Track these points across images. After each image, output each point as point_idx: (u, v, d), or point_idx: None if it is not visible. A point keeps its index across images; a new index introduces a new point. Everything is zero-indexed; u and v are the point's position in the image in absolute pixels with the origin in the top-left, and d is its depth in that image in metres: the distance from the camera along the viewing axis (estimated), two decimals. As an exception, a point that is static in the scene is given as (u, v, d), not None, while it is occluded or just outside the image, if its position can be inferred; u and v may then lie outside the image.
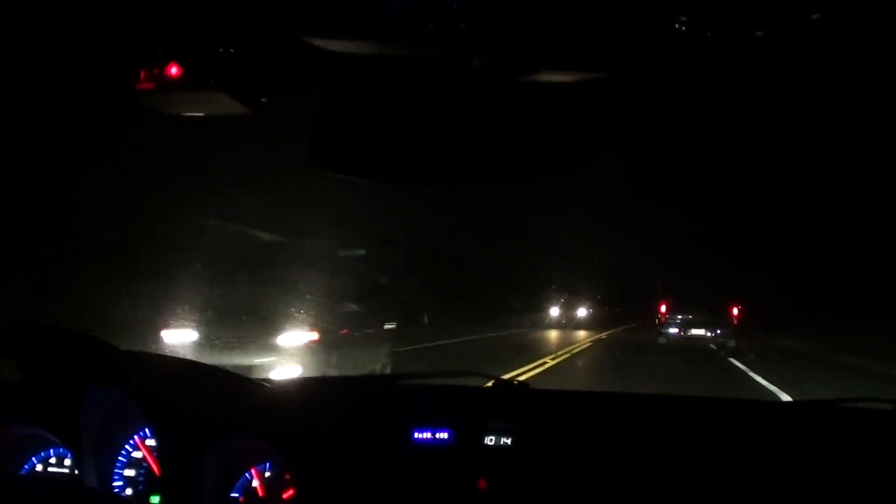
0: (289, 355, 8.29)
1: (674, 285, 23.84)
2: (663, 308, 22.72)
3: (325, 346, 8.67)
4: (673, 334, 21.64)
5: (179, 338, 8.05)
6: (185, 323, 8.03)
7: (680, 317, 21.98)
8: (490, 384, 2.28)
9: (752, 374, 13.28)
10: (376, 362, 9.71)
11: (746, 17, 1.64)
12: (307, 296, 8.81)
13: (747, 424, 2.01)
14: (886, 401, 2.02)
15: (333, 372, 8.19)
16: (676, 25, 1.65)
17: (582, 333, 27.99)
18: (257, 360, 8.00)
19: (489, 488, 1.89)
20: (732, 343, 19.63)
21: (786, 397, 9.86)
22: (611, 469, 1.88)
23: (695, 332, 21.32)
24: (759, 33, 1.66)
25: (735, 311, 21.63)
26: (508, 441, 1.95)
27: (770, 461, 1.83)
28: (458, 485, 1.91)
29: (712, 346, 20.39)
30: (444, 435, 1.98)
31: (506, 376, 3.19)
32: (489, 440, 1.96)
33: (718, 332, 20.92)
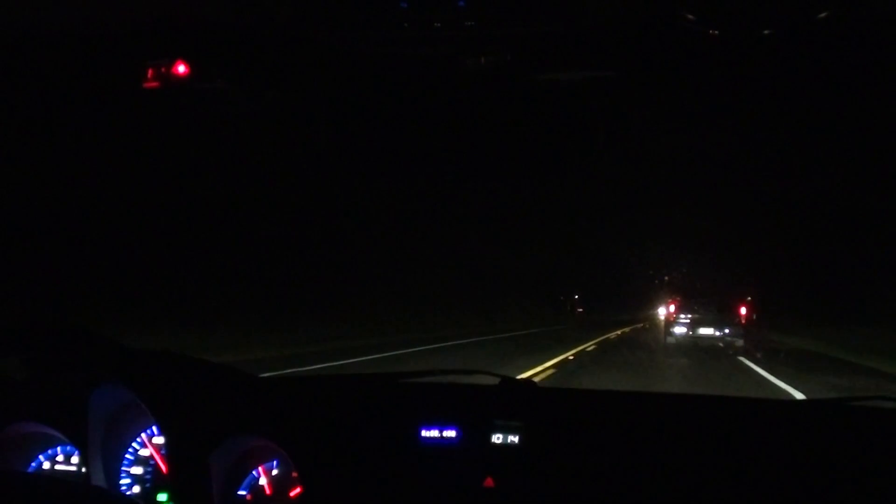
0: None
1: (680, 283, 23.85)
2: (672, 307, 22.70)
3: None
4: (681, 334, 21.64)
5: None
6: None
7: (688, 316, 21.95)
8: (497, 382, 2.28)
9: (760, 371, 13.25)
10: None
11: (754, 16, 1.64)
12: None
13: (758, 423, 1.99)
14: None
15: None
16: (684, 24, 1.65)
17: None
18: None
19: (496, 486, 1.88)
20: (741, 342, 19.66)
21: (790, 390, 9.87)
22: (619, 468, 1.87)
23: (703, 331, 21.29)
24: (766, 32, 1.66)
25: (743, 310, 21.60)
26: (516, 439, 1.95)
27: (781, 460, 1.82)
28: (466, 483, 1.91)
29: (720, 344, 20.37)
30: (452, 433, 1.98)
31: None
32: (496, 438, 1.95)
33: (727, 331, 20.90)
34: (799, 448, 1.87)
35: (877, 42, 1.73)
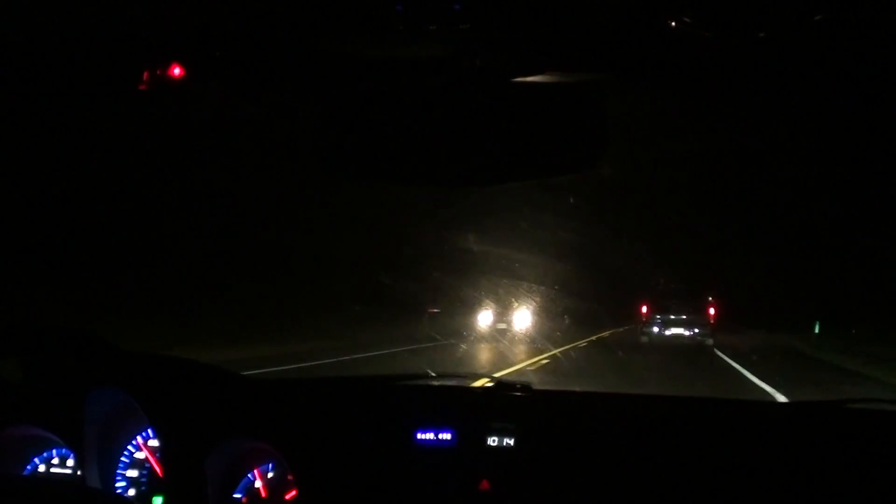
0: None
1: (653, 285, 23.99)
2: (644, 309, 22.94)
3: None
4: (654, 333, 21.94)
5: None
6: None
7: (660, 317, 22.23)
8: (492, 385, 2.24)
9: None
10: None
11: (749, 18, 1.60)
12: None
13: (751, 425, 1.96)
14: (891, 402, 1.98)
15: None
16: (680, 26, 1.62)
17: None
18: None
19: (492, 489, 1.84)
20: (710, 341, 20.12)
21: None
22: (613, 470, 1.83)
23: (674, 331, 21.65)
24: (761, 34, 1.62)
25: (711, 310, 21.93)
26: (511, 442, 1.90)
27: (774, 462, 1.78)
28: (461, 486, 1.86)
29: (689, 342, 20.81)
30: (447, 436, 1.93)
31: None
32: (492, 441, 1.91)
33: (696, 330, 21.30)
34: (792, 450, 1.83)
35: (874, 45, 1.69)
